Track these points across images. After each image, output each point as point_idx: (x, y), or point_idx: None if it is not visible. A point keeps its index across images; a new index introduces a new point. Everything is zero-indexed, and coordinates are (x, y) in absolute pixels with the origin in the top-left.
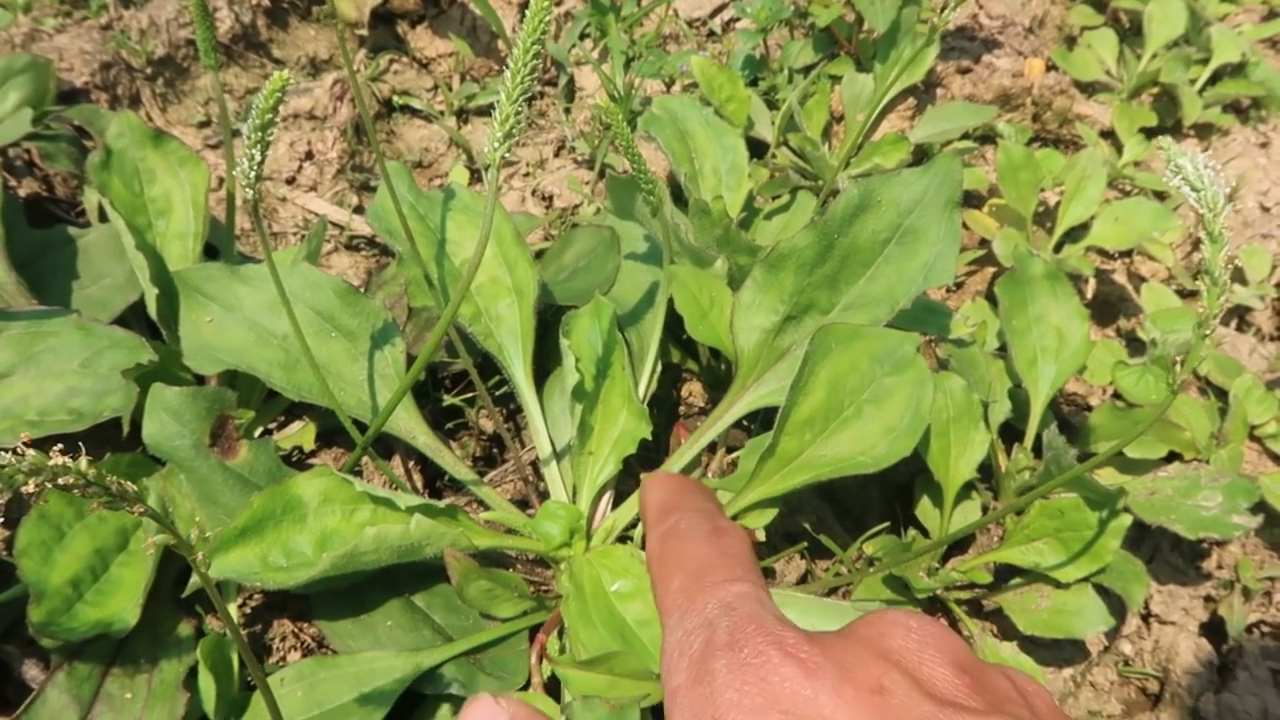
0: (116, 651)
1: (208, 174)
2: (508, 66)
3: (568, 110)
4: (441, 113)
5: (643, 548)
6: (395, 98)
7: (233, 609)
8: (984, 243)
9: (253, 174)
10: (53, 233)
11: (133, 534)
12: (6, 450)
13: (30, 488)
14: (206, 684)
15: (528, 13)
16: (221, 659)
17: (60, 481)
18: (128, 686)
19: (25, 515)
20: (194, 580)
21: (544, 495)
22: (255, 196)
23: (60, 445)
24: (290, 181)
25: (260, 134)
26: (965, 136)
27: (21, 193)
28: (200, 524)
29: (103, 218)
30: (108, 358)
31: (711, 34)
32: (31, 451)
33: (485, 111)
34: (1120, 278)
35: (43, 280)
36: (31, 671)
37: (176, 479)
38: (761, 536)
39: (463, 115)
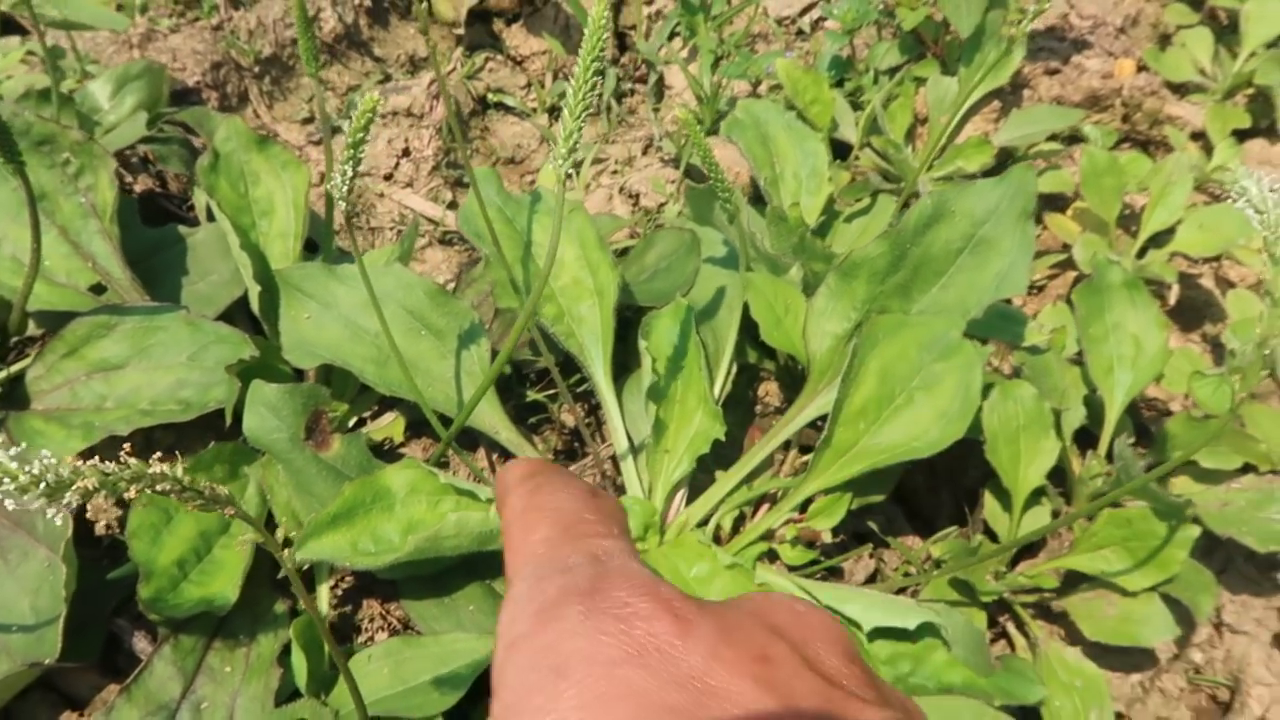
0: (218, 627)
1: (308, 176)
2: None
3: (656, 109)
4: (534, 110)
5: (713, 541)
6: (490, 95)
7: (325, 590)
8: (1067, 246)
9: (345, 188)
10: (165, 231)
11: (235, 519)
12: (121, 435)
13: (131, 493)
14: (299, 661)
15: (585, 33)
16: (312, 638)
17: (159, 488)
18: (227, 660)
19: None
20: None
21: (620, 490)
22: (349, 209)
23: (158, 454)
24: (388, 178)
25: (353, 151)
26: (1051, 139)
27: (137, 189)
28: (295, 510)
29: (211, 217)
30: (213, 352)
31: (800, 32)
32: (133, 460)
33: None
34: (1208, 282)
35: (155, 276)
36: (140, 644)
37: (274, 469)
38: (827, 537)
39: (554, 112)
